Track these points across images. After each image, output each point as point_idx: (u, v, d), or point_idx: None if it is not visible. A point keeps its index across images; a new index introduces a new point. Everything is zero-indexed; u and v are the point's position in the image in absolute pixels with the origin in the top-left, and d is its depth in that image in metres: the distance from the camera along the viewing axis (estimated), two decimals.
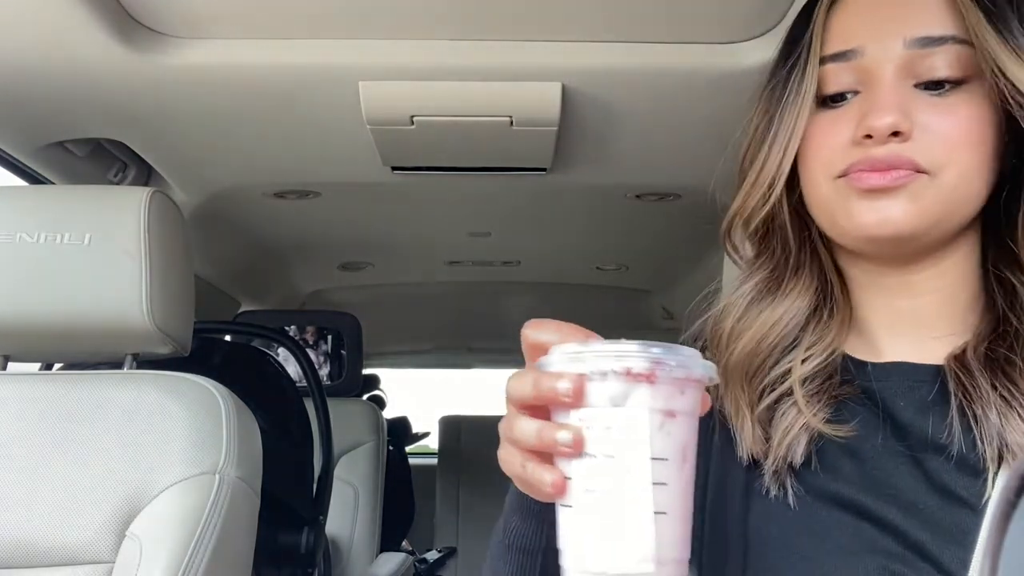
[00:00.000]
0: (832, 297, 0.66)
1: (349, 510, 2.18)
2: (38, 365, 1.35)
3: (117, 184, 1.40)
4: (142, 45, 0.99)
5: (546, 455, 0.49)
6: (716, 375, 0.48)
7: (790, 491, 0.60)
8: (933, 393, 0.59)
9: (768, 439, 0.62)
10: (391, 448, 2.66)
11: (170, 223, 1.07)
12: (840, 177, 0.60)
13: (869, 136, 0.58)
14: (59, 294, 1.01)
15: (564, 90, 1.09)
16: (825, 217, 0.63)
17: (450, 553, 3.22)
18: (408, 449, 3.38)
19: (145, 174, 1.44)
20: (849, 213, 0.60)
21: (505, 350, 3.55)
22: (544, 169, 1.37)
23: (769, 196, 0.64)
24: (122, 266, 1.01)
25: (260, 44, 1.01)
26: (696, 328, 0.72)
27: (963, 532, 0.54)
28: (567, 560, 0.48)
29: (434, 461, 3.46)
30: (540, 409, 0.49)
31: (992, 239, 0.63)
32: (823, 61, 0.62)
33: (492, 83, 1.07)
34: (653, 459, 0.45)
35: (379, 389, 3.46)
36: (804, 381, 0.62)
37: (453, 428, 3.44)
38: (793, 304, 0.65)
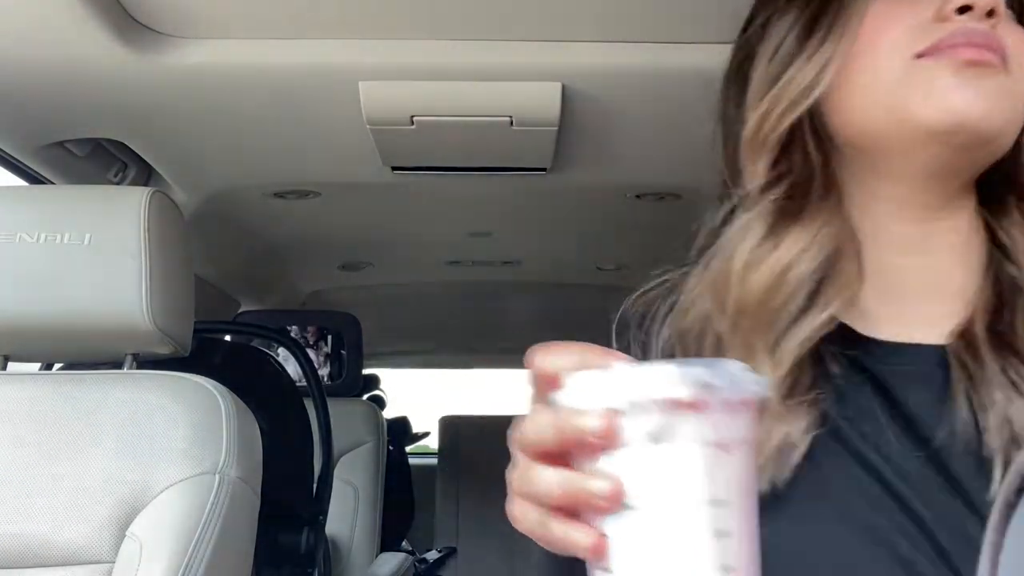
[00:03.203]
0: (848, 246, 0.57)
1: (349, 510, 2.18)
2: (38, 365, 1.35)
3: (117, 184, 1.40)
4: (142, 45, 0.99)
5: (572, 509, 0.40)
6: (769, 389, 0.40)
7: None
8: (941, 380, 0.53)
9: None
10: (391, 448, 2.66)
11: (170, 223, 1.07)
12: (921, 57, 0.53)
13: (965, 9, 0.52)
14: (59, 294, 1.01)
15: (564, 90, 1.09)
16: (887, 106, 0.54)
17: (450, 553, 3.22)
18: (408, 449, 3.38)
19: (145, 174, 1.44)
20: (931, 93, 0.52)
21: (505, 350, 3.54)
22: (544, 169, 1.37)
23: (805, 98, 0.56)
24: (122, 266, 1.01)
25: (260, 44, 1.01)
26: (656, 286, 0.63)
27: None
28: None
29: (434, 461, 3.46)
30: (558, 455, 0.40)
31: (989, 197, 0.59)
32: None
33: (492, 83, 1.07)
34: (711, 503, 0.37)
35: (379, 389, 3.46)
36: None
37: (453, 428, 3.43)
38: (819, 236, 0.55)
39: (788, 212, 0.56)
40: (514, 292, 2.56)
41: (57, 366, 1.34)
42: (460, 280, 2.39)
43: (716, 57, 1.06)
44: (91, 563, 0.93)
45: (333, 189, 1.55)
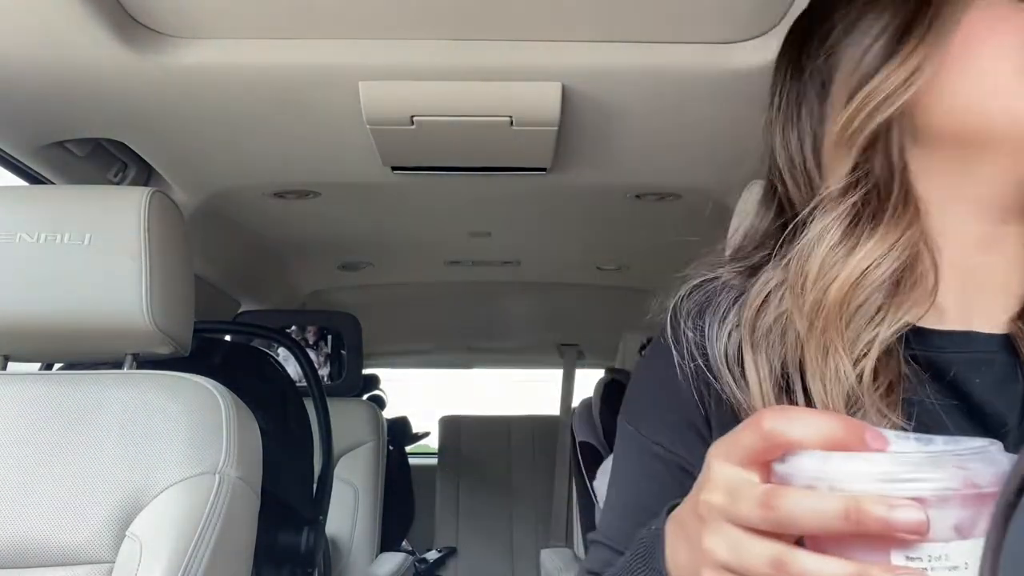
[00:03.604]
0: (925, 252, 0.58)
1: (349, 510, 2.18)
2: (38, 365, 1.35)
3: (117, 184, 1.40)
4: (142, 45, 0.99)
5: None
6: None
7: None
8: (1006, 366, 0.55)
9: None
10: (391, 448, 2.66)
11: (170, 223, 1.07)
12: None
13: None
14: (59, 294, 1.01)
15: (564, 90, 1.09)
16: (995, 108, 0.55)
17: (450, 553, 3.22)
18: (408, 449, 3.38)
19: (145, 174, 1.44)
20: None
21: (505, 350, 3.55)
22: (544, 169, 1.37)
23: (896, 98, 0.56)
24: (122, 266, 1.01)
25: (260, 44, 1.01)
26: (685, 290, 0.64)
27: None
28: None
29: (434, 461, 3.47)
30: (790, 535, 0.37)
31: None
32: None
33: (492, 83, 1.07)
34: None
35: (379, 389, 3.46)
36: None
37: (453, 428, 3.44)
38: (899, 242, 0.56)
39: (864, 217, 0.57)
40: (514, 292, 2.56)
41: (57, 366, 1.34)
42: (460, 280, 2.39)
43: (716, 57, 1.06)
44: (91, 563, 0.93)
45: (333, 189, 1.55)
